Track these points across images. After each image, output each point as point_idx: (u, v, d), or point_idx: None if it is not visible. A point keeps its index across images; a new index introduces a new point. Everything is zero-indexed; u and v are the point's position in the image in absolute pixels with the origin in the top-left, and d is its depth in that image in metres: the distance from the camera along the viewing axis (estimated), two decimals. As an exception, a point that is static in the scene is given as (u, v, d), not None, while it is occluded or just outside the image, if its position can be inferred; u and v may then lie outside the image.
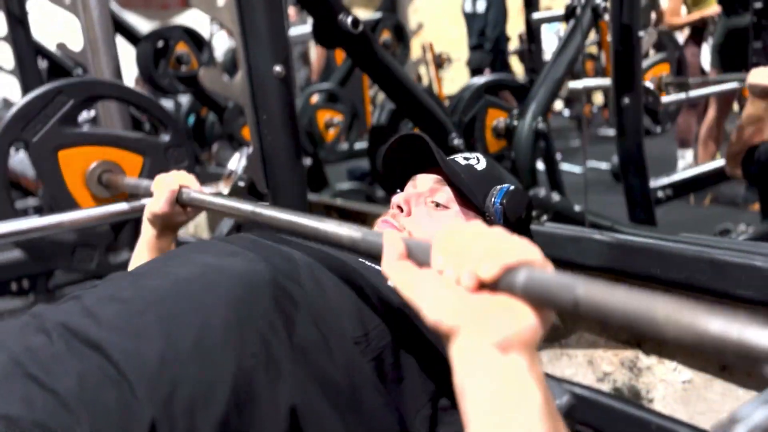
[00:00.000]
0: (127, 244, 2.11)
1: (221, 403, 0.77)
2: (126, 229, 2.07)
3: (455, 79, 11.57)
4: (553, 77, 2.47)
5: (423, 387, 0.92)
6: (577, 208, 2.51)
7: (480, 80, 2.52)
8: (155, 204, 1.33)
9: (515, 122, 2.41)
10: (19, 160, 2.43)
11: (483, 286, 0.68)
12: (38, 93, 1.83)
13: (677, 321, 0.54)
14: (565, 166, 4.54)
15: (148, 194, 1.41)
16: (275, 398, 0.81)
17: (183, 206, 1.34)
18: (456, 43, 12.69)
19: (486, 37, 6.01)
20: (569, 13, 2.69)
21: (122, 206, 1.76)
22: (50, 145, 1.83)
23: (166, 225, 1.36)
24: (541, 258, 0.69)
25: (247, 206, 1.10)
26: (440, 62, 11.02)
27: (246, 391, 0.79)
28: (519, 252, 0.69)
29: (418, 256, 0.77)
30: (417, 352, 0.92)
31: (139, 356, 0.78)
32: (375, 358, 0.89)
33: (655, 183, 2.88)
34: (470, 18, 6.19)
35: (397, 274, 0.76)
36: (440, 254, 0.73)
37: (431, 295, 0.70)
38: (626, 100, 2.63)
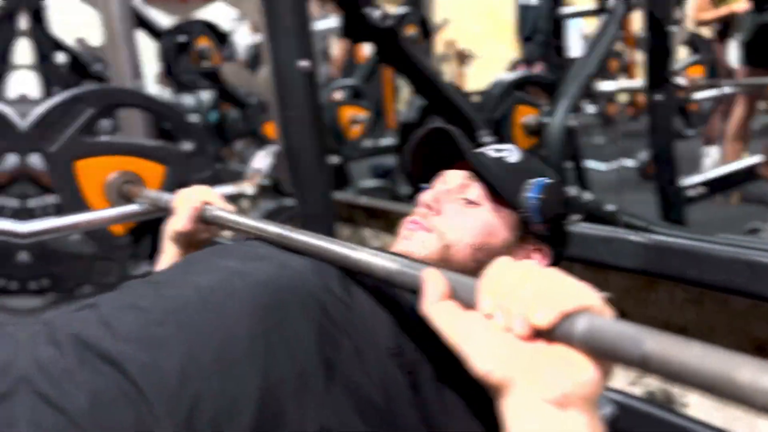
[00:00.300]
0: (147, 257, 2.07)
1: (246, 420, 0.72)
2: (145, 241, 2.02)
3: (477, 76, 11.54)
4: (584, 73, 2.41)
5: (467, 407, 0.85)
6: (609, 207, 2.45)
7: (509, 76, 2.47)
8: (177, 222, 1.27)
9: (546, 119, 2.35)
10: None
11: (537, 333, 0.63)
12: (56, 102, 1.78)
13: (766, 387, 0.47)
14: (590, 164, 4.48)
15: (170, 208, 1.35)
16: (303, 416, 0.75)
17: (206, 224, 1.28)
18: (479, 40, 12.73)
19: (539, 29, 5.95)
20: (601, 8, 2.64)
21: (134, 208, 1.71)
22: (68, 155, 1.78)
23: (189, 243, 1.29)
24: (600, 303, 0.63)
25: (273, 228, 1.03)
26: (463, 58, 11.01)
27: (273, 407, 0.74)
28: (577, 296, 0.62)
29: (463, 296, 0.72)
30: (456, 365, 0.87)
31: (157, 371, 0.72)
32: (411, 371, 0.84)
33: (687, 181, 2.82)
34: (524, 9, 6.13)
35: (440, 316, 0.70)
36: (488, 296, 0.67)
37: (479, 342, 0.65)
38: (658, 97, 2.58)
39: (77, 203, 1.80)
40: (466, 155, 1.07)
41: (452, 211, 1.07)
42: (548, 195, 1.06)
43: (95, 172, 1.82)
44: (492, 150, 1.15)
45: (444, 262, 1.03)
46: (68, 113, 1.78)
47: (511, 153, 1.14)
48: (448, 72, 10.11)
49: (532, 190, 1.06)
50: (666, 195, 2.72)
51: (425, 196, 1.09)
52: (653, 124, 2.64)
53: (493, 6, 12.71)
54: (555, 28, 4.64)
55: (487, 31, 12.88)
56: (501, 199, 1.07)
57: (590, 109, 7.82)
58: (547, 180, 1.08)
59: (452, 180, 1.11)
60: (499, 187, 1.06)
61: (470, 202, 1.08)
